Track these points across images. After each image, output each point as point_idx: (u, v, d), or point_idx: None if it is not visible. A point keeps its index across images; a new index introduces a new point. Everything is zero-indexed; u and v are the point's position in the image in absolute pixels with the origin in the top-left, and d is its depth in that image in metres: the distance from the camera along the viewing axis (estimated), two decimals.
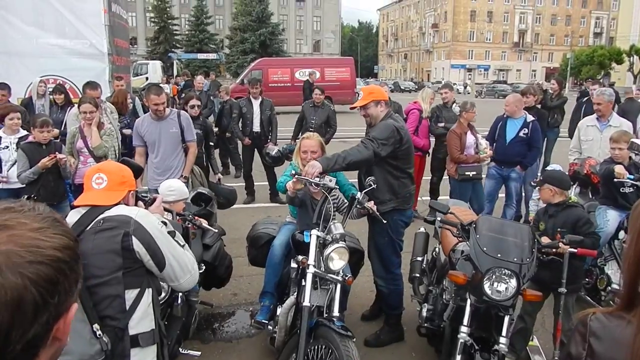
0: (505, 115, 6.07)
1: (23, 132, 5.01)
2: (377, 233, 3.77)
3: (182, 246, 2.22)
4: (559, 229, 3.24)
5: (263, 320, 3.57)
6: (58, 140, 5.17)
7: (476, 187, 6.00)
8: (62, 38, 8.71)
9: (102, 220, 2.03)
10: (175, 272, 2.13)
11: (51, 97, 6.76)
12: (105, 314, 1.96)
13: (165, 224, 2.20)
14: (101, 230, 2.00)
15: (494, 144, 6.08)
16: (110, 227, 2.00)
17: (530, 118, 5.99)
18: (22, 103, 7.19)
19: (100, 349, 1.93)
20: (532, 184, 3.75)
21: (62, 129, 5.87)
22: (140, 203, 2.41)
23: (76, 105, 5.81)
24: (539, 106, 7.21)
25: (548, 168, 5.66)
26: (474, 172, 5.80)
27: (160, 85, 6.56)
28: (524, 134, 5.90)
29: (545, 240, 3.20)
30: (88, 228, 2.02)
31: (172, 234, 2.19)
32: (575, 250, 3.13)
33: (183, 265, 2.16)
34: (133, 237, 1.99)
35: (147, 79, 22.99)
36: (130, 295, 2.00)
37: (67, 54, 8.75)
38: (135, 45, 50.56)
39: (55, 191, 4.69)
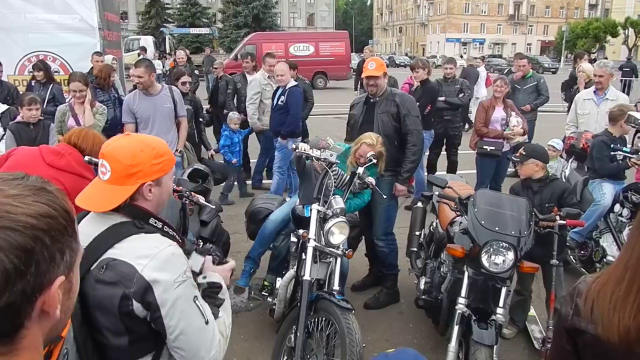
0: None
1: (3, 107, 4.98)
2: (385, 195, 3.76)
3: (207, 322, 1.52)
4: (547, 204, 3.28)
5: (242, 286, 3.76)
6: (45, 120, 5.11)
7: (500, 165, 5.76)
8: (51, 12, 8.46)
9: (105, 264, 1.43)
10: (180, 351, 1.50)
11: (31, 74, 6.64)
12: None
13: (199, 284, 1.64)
14: (100, 281, 1.43)
15: None
16: (110, 280, 1.42)
17: (290, 84, 5.92)
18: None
19: None
20: (514, 158, 3.62)
21: (45, 106, 5.76)
22: (209, 258, 1.78)
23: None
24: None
25: (549, 143, 5.67)
26: (492, 148, 5.55)
27: (151, 60, 6.42)
28: (281, 101, 5.90)
29: None
30: (93, 267, 1.44)
31: (212, 299, 1.66)
32: (565, 222, 3.18)
33: (195, 346, 1.50)
34: (134, 301, 1.42)
35: (139, 54, 22.60)
36: None
37: (57, 29, 8.53)
38: (126, 20, 49.59)
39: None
